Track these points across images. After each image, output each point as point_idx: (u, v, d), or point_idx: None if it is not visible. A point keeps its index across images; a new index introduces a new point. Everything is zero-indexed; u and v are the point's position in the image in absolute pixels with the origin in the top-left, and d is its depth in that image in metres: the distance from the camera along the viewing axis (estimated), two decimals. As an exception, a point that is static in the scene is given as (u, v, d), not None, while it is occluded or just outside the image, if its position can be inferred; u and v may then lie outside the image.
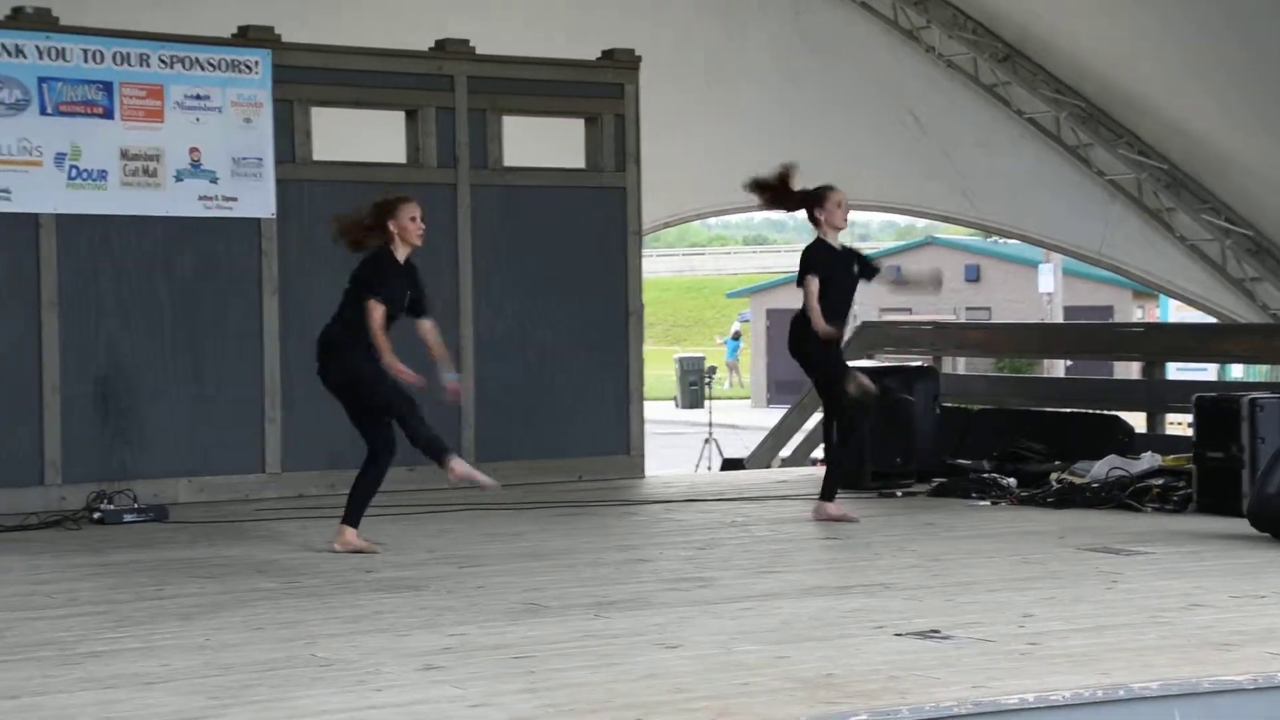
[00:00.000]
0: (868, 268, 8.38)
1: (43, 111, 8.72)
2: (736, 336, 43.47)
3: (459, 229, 9.98)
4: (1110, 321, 30.75)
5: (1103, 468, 9.07)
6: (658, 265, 48.06)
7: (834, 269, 8.14)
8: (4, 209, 8.67)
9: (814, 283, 8.05)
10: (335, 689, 4.55)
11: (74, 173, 8.79)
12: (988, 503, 9.05)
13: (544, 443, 10.17)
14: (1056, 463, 9.57)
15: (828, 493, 8.29)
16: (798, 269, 8.22)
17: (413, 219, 7.27)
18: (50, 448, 8.79)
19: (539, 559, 7.10)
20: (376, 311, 7.13)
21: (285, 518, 8.50)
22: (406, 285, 7.29)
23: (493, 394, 10.05)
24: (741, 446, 17.02)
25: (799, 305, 8.20)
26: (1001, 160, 15.60)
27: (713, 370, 24.40)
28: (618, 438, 10.38)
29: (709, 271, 58.96)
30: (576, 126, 10.63)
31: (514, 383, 10.13)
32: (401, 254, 7.28)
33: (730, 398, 36.87)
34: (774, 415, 20.82)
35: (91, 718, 4.24)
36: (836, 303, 8.14)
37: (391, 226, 7.24)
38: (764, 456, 13.67)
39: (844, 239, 8.52)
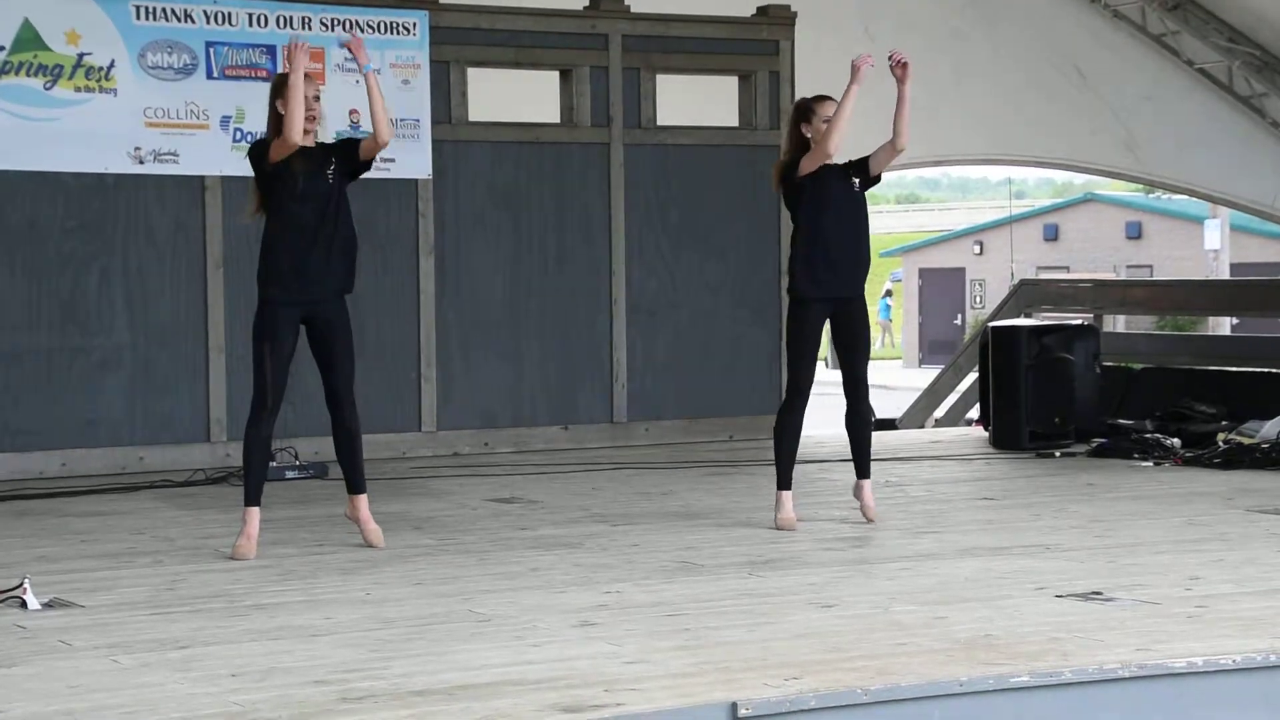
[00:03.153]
0: (863, 166, 6.77)
1: (209, 75, 8.92)
2: (888, 295, 43.03)
3: (612, 188, 10.00)
4: None
5: (1273, 428, 8.81)
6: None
7: (826, 188, 6.69)
8: (171, 171, 8.89)
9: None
10: (493, 644, 4.61)
11: (239, 135, 8.98)
12: (1151, 463, 8.84)
13: (695, 402, 10.18)
14: (1223, 423, 9.32)
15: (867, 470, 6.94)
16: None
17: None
18: (215, 406, 9.02)
19: (691, 518, 7.11)
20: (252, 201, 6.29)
21: (441, 475, 8.62)
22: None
23: (644, 353, 10.08)
24: (894, 407, 16.86)
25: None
26: (1169, 113, 15.15)
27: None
28: (769, 397, 10.32)
29: (861, 230, 58.14)
30: (730, 84, 10.57)
31: (666, 342, 10.15)
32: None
33: (882, 358, 36.54)
34: (926, 375, 20.61)
35: (260, 668, 4.35)
36: (835, 229, 6.68)
37: (279, 107, 6.20)
38: (917, 417, 13.53)
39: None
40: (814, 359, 6.89)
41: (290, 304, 6.26)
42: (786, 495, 6.86)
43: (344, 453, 6.40)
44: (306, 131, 6.25)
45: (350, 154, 6.36)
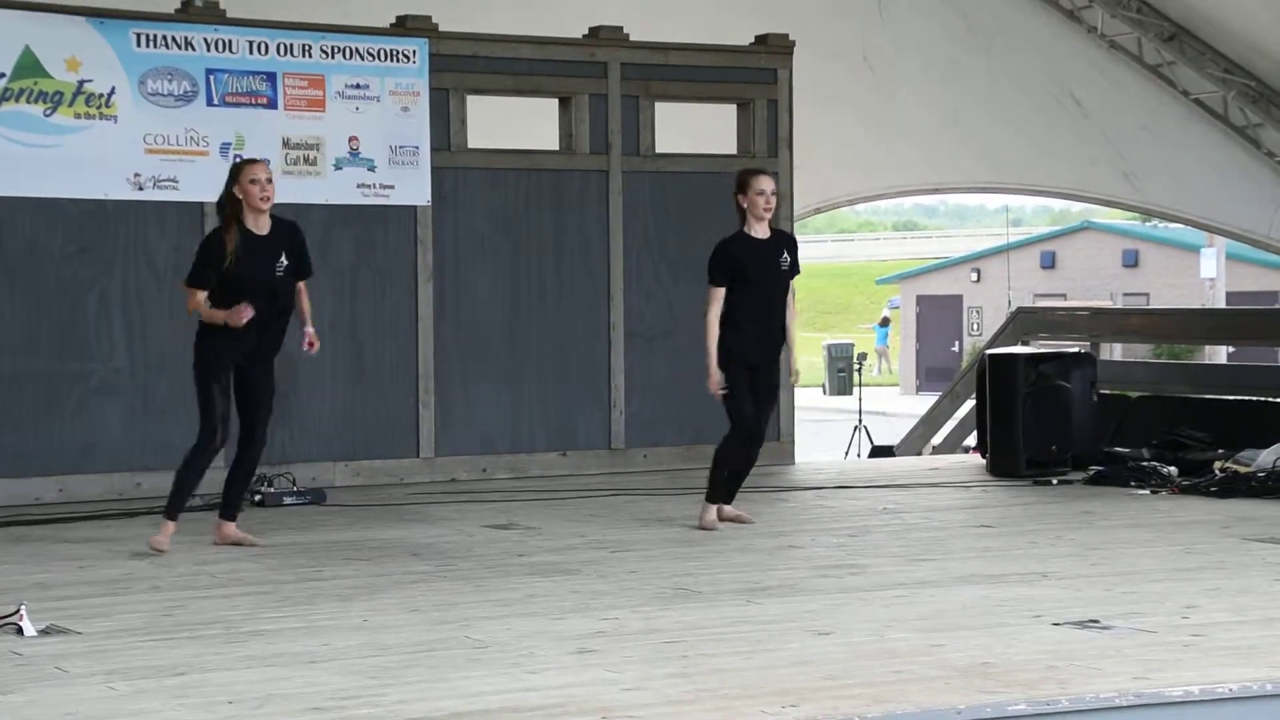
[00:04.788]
0: (795, 266, 7.54)
1: (209, 102, 8.95)
2: (885, 323, 43.09)
3: (610, 215, 10.03)
4: (1278, 307, 29.89)
5: (1269, 457, 8.82)
6: (806, 251, 47.60)
7: (754, 265, 7.38)
8: (171, 198, 8.91)
9: (716, 293, 7.39)
10: (491, 671, 4.61)
11: (238, 161, 8.99)
12: (1147, 491, 8.85)
13: (693, 428, 10.16)
14: (1220, 451, 9.32)
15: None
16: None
17: (253, 181, 6.74)
18: (214, 431, 9.00)
19: (689, 544, 7.11)
20: (193, 297, 6.80)
21: (438, 502, 8.62)
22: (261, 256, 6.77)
23: (642, 380, 10.09)
24: (891, 434, 16.88)
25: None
26: (1165, 142, 15.23)
27: (863, 357, 24.21)
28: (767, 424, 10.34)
29: (858, 258, 58.52)
30: (728, 112, 10.61)
31: (664, 368, 10.15)
32: (253, 222, 6.76)
33: (879, 384, 36.56)
34: (923, 402, 20.65)
35: (257, 695, 4.35)
36: (759, 302, 7.40)
37: (237, 191, 6.76)
38: (914, 444, 13.55)
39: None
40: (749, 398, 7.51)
41: (231, 356, 6.90)
42: (714, 507, 7.57)
43: (240, 481, 7.11)
44: (261, 211, 6.84)
45: (302, 270, 7.00)
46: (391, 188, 9.39)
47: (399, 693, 4.35)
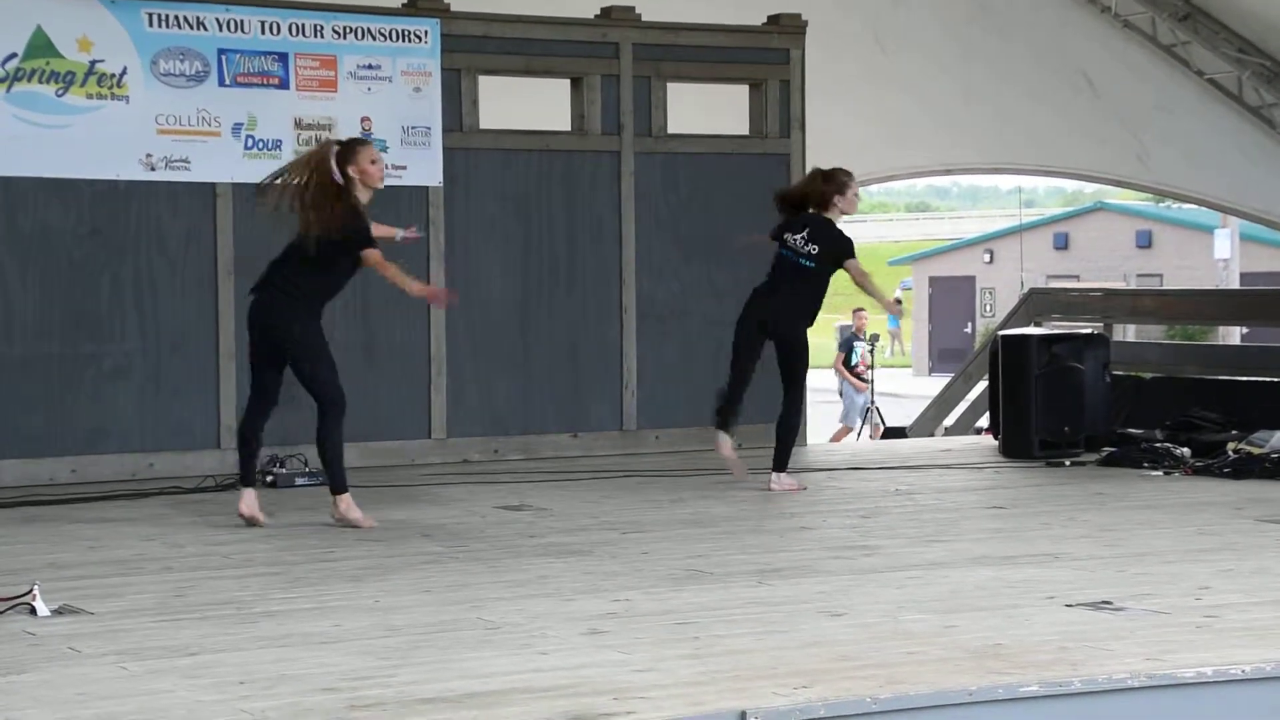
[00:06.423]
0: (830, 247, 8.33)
1: (221, 83, 8.94)
2: (897, 303, 42.98)
3: (622, 196, 10.01)
4: (1290, 288, 29.78)
5: (1283, 438, 8.80)
6: (819, 232, 47.57)
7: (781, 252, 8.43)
8: (183, 179, 8.91)
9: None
10: (502, 651, 4.61)
11: (250, 142, 9.00)
12: (1160, 473, 8.84)
13: (705, 409, 10.13)
14: (1233, 432, 9.30)
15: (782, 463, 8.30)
16: (835, 250, 8.16)
17: (374, 162, 7.04)
18: (225, 413, 9.02)
19: (701, 526, 7.11)
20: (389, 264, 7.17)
21: (450, 483, 8.63)
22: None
23: (654, 361, 10.08)
24: (903, 415, 16.87)
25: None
26: (1179, 122, 15.17)
27: (875, 338, 24.18)
28: (779, 405, 10.33)
29: (870, 239, 58.41)
30: (740, 93, 10.58)
31: (675, 349, 10.15)
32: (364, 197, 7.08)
33: (892, 366, 36.52)
34: (936, 384, 20.61)
35: (268, 675, 4.35)
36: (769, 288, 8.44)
37: (352, 171, 6.98)
38: (927, 425, 13.53)
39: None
40: None
41: None
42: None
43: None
44: (378, 189, 7.21)
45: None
46: (404, 168, 9.38)
47: (410, 673, 4.36)
